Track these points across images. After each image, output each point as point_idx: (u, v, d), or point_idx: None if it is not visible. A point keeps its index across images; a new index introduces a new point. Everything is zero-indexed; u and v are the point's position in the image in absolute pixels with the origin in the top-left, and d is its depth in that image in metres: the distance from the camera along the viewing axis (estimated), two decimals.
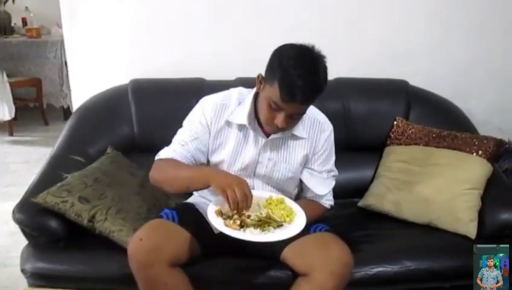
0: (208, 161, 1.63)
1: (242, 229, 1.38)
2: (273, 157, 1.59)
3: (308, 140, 1.60)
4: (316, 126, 1.61)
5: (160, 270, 1.40)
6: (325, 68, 1.42)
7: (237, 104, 1.58)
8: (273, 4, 2.30)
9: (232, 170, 1.58)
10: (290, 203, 1.52)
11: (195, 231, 1.51)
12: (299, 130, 1.58)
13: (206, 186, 1.45)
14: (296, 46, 1.43)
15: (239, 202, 1.35)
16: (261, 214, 1.42)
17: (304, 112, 1.48)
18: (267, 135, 1.57)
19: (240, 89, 1.63)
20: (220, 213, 1.42)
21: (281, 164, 1.60)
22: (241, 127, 1.57)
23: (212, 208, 1.43)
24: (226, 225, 1.38)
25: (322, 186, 1.66)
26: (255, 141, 1.58)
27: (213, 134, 1.58)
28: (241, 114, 1.55)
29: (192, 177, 1.47)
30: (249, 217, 1.40)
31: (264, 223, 1.40)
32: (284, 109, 1.40)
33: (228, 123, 1.57)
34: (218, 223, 1.38)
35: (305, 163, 1.64)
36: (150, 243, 1.40)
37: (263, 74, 1.46)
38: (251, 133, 1.57)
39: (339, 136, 1.72)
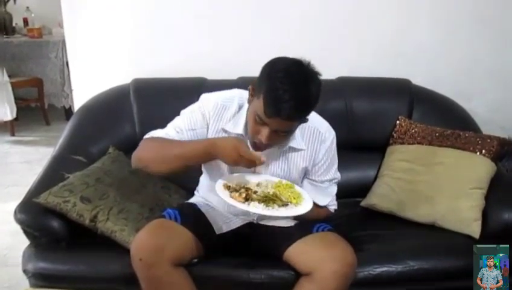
0: None
1: (246, 203, 1.38)
2: (271, 169, 1.56)
3: (307, 151, 1.55)
4: (316, 137, 1.55)
5: (163, 270, 1.39)
6: (317, 85, 1.35)
7: (237, 109, 1.53)
8: (275, 3, 2.29)
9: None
10: (299, 189, 1.51)
11: (197, 230, 1.51)
12: (298, 141, 1.52)
13: (209, 161, 1.45)
14: (290, 59, 1.36)
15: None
16: (268, 192, 1.43)
17: (290, 130, 1.42)
18: None
19: (241, 92, 1.58)
20: (227, 187, 1.43)
21: (279, 176, 1.56)
22: (238, 136, 1.52)
23: (220, 182, 1.44)
24: (231, 197, 1.39)
25: (323, 196, 1.62)
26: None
27: (210, 133, 1.54)
28: (239, 123, 1.51)
29: (191, 151, 1.43)
30: (255, 192, 1.41)
31: (269, 199, 1.40)
32: (268, 124, 1.35)
33: (225, 131, 1.53)
34: (224, 195, 1.39)
35: (306, 173, 1.61)
36: (152, 243, 1.39)
37: (253, 86, 1.42)
38: (248, 143, 1.51)
39: (341, 136, 1.71)
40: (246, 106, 1.51)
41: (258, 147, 1.44)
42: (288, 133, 1.43)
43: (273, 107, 1.31)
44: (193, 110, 1.55)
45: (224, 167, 1.55)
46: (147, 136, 1.54)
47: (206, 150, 1.42)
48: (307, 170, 1.59)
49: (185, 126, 1.52)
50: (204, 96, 1.58)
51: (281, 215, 1.39)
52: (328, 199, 1.64)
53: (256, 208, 1.37)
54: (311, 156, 1.56)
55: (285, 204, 1.41)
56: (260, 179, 1.49)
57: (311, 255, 1.45)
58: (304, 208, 1.41)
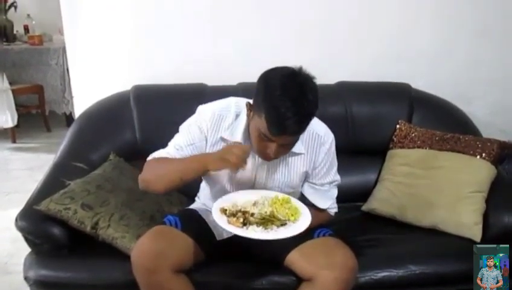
0: None
1: (245, 227, 1.38)
2: (271, 174, 1.56)
3: (307, 155, 1.55)
4: (315, 140, 1.55)
5: (164, 277, 1.39)
6: (314, 91, 1.35)
7: (234, 117, 1.53)
8: (275, 9, 2.30)
9: (230, 185, 1.57)
10: (296, 203, 1.51)
11: (198, 237, 1.51)
12: (297, 145, 1.51)
13: (202, 173, 1.45)
14: (282, 72, 1.36)
15: (241, 157, 1.35)
16: (265, 212, 1.42)
17: (297, 140, 1.44)
18: None
19: (237, 100, 1.57)
20: (224, 212, 1.42)
21: (280, 180, 1.56)
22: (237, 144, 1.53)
23: (216, 207, 1.43)
24: (229, 223, 1.38)
25: (324, 199, 1.62)
26: (252, 159, 1.53)
27: (209, 144, 1.53)
28: (238, 131, 1.50)
29: (186, 166, 1.44)
30: (252, 215, 1.40)
31: (267, 221, 1.40)
32: (275, 140, 1.36)
33: (224, 139, 1.52)
34: (221, 221, 1.38)
35: (306, 177, 1.61)
36: (153, 249, 1.39)
37: (251, 103, 1.42)
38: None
39: (342, 140, 1.71)
40: (243, 113, 1.51)
41: (266, 160, 1.47)
42: (294, 144, 1.45)
43: (277, 126, 1.32)
44: (190, 125, 1.55)
45: (223, 176, 1.56)
46: (149, 157, 1.54)
47: (197, 159, 1.44)
48: (307, 174, 1.59)
49: (184, 142, 1.51)
50: (201, 108, 1.57)
51: (280, 237, 1.37)
52: (329, 202, 1.63)
53: (255, 233, 1.36)
54: (311, 160, 1.56)
55: (283, 223, 1.40)
56: (256, 196, 1.47)
57: (312, 260, 1.45)
58: (302, 225, 1.40)
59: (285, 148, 1.43)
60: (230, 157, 1.35)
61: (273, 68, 1.38)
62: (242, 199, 1.47)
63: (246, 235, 1.35)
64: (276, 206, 1.45)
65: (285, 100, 1.30)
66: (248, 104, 1.45)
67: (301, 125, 1.35)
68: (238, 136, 1.50)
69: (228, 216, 1.41)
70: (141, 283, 1.42)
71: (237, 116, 1.53)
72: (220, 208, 1.43)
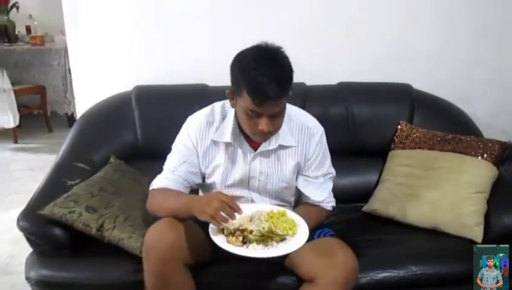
0: (204, 179, 1.62)
1: (245, 246, 1.37)
2: (264, 170, 1.57)
3: (298, 147, 1.57)
4: (305, 132, 1.57)
5: (175, 268, 1.39)
6: (286, 58, 1.40)
7: (221, 119, 1.56)
8: (275, 9, 2.30)
9: (225, 186, 1.58)
10: (292, 215, 1.50)
11: (207, 228, 1.49)
12: (287, 138, 1.54)
13: (191, 215, 1.44)
14: (252, 49, 1.42)
15: (221, 212, 1.32)
16: (263, 228, 1.40)
17: (284, 108, 1.44)
18: (255, 149, 1.55)
19: (223, 102, 1.60)
20: (222, 231, 1.40)
21: (274, 175, 1.58)
22: (227, 145, 1.55)
23: (213, 226, 1.41)
24: (228, 242, 1.37)
25: (320, 191, 1.63)
26: (243, 157, 1.56)
27: (201, 154, 1.56)
28: (226, 132, 1.53)
29: (176, 208, 1.47)
30: (251, 232, 1.39)
31: (266, 237, 1.39)
32: (263, 112, 1.38)
33: (215, 142, 1.55)
34: (220, 241, 1.37)
35: (299, 170, 1.61)
36: (171, 239, 1.39)
37: (231, 90, 1.45)
38: (238, 149, 1.55)
39: (343, 141, 1.71)
40: (230, 114, 1.54)
41: (262, 139, 1.49)
42: (282, 112, 1.45)
43: (259, 94, 1.34)
44: (178, 144, 1.59)
45: (217, 182, 1.58)
46: (151, 187, 1.58)
47: (184, 203, 1.45)
48: (300, 166, 1.60)
49: (177, 162, 1.56)
50: (189, 121, 1.61)
51: (282, 253, 1.37)
52: (325, 195, 1.63)
53: (255, 251, 1.36)
54: (302, 152, 1.58)
55: (282, 238, 1.40)
56: (251, 211, 1.46)
57: (312, 261, 1.44)
58: (300, 239, 1.40)
59: (276, 121, 1.43)
60: (208, 210, 1.33)
61: (242, 50, 1.44)
62: (237, 214, 1.42)
63: (247, 255, 1.34)
64: (273, 220, 1.45)
65: (260, 68, 1.35)
66: (229, 93, 1.46)
67: (281, 88, 1.36)
68: (227, 136, 1.52)
69: (226, 235, 1.39)
70: (150, 271, 1.40)
71: (224, 118, 1.56)
72: (217, 228, 1.41)
